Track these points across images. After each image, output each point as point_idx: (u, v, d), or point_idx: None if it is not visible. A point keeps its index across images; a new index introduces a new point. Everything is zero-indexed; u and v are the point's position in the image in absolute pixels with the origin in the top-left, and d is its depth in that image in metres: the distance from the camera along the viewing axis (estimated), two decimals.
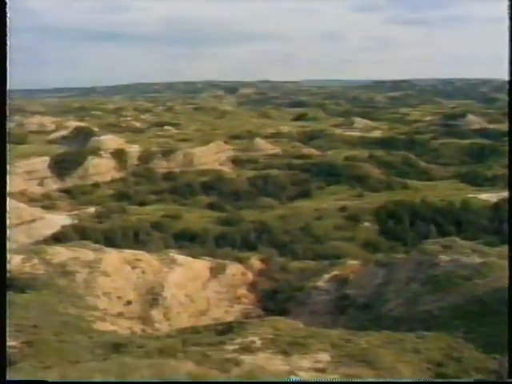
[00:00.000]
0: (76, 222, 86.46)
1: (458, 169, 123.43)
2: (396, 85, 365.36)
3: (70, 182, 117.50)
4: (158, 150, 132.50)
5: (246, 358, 20.49)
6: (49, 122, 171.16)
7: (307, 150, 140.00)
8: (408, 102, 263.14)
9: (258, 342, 23.21)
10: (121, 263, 42.75)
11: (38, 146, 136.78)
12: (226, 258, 56.32)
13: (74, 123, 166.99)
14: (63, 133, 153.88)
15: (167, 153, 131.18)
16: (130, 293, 39.73)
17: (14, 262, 38.13)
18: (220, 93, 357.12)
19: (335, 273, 48.17)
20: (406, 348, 23.67)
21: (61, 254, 41.05)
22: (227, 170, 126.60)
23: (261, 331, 24.87)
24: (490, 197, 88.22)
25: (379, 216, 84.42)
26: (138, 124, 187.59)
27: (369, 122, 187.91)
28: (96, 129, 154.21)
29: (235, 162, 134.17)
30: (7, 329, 19.24)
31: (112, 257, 42.85)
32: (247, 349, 22.48)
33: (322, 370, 20.32)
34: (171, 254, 49.34)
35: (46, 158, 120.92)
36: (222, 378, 18.06)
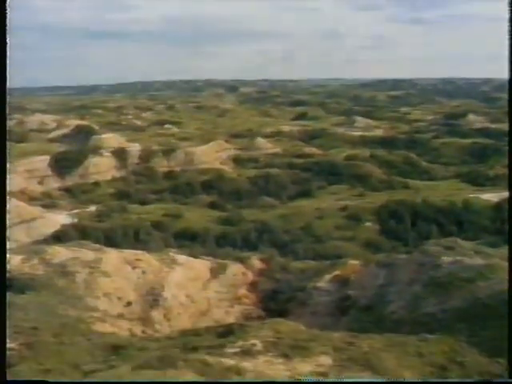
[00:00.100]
0: (76, 220, 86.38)
1: (460, 168, 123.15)
2: (397, 84, 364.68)
3: (70, 181, 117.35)
4: (159, 149, 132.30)
5: (248, 366, 20.20)
6: (49, 120, 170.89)
7: (308, 149, 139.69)
8: (409, 101, 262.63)
9: (259, 345, 22.95)
10: (121, 263, 42.48)
11: (39, 145, 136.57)
12: (226, 257, 56.08)
13: (74, 122, 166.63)
14: (64, 131, 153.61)
15: (168, 152, 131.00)
16: (130, 293, 39.45)
17: (13, 262, 37.90)
18: (221, 91, 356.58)
19: (336, 273, 47.81)
20: (408, 351, 23.42)
21: (61, 254, 40.80)
22: (228, 169, 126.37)
23: (262, 334, 24.61)
24: (491, 197, 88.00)
25: (380, 216, 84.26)
26: (138, 122, 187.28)
27: (370, 121, 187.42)
28: (97, 127, 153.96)
29: (236, 161, 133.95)
30: (7, 329, 19.03)
31: (112, 257, 42.58)
32: (248, 352, 22.22)
33: (324, 375, 20.07)
34: (171, 254, 49.06)
35: (47, 157, 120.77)
36: None
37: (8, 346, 21.30)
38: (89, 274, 38.66)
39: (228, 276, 48.74)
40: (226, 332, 26.04)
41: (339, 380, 20.15)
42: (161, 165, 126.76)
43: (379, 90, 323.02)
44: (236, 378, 18.99)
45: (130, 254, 44.83)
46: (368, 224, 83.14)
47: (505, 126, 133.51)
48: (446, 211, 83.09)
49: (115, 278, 39.98)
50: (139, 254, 45.44)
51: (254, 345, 23.08)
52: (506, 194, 74.97)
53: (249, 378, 18.75)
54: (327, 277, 47.47)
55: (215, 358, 20.68)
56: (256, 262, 54.41)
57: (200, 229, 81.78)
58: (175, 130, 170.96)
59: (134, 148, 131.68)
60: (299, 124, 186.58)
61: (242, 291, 48.13)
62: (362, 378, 20.24)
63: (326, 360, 21.53)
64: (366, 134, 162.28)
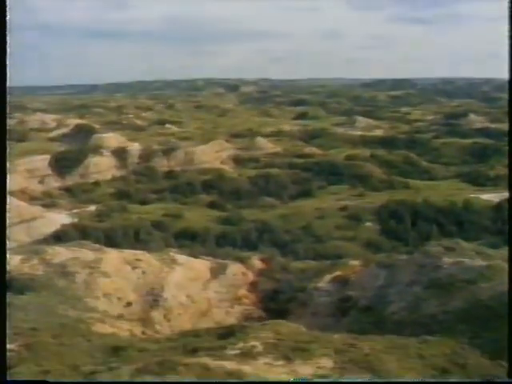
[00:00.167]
0: (76, 220, 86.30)
1: (460, 168, 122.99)
2: (397, 84, 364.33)
3: (70, 180, 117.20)
4: (159, 149, 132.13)
5: (248, 369, 20.05)
6: (50, 119, 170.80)
7: (308, 149, 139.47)
8: (409, 100, 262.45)
9: (260, 347, 22.82)
10: (121, 263, 42.38)
11: (39, 144, 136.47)
12: (226, 257, 55.95)
13: (75, 121, 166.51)
14: (64, 130, 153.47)
15: (168, 151, 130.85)
16: (130, 294, 39.34)
17: (13, 262, 37.77)
18: (221, 91, 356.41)
19: (337, 273, 47.71)
20: (409, 354, 23.29)
21: (60, 254, 40.70)
22: (228, 168, 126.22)
23: (262, 335, 24.48)
24: (492, 197, 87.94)
25: (381, 216, 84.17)
26: (139, 122, 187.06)
27: (370, 121, 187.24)
28: (97, 126, 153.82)
29: (236, 160, 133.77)
30: (7, 329, 18.92)
31: (112, 257, 42.48)
32: (248, 354, 22.09)
33: (326, 377, 19.93)
34: (172, 254, 48.97)
35: (47, 156, 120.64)
36: None
37: (7, 347, 21.17)
38: (89, 275, 38.56)
39: (228, 276, 48.62)
40: (227, 333, 25.92)
41: (339, 380, 20.02)
42: (161, 164, 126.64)
43: (379, 90, 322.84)
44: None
45: (129, 254, 44.74)
46: (368, 224, 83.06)
47: (505, 126, 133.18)
48: (447, 211, 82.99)
49: (115, 278, 39.88)
50: (139, 254, 45.35)
51: (254, 346, 22.95)
52: (506, 194, 74.86)
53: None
54: (327, 277, 47.37)
55: (216, 361, 20.52)
56: (256, 261, 54.31)
57: (200, 228, 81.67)
58: (175, 129, 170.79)
59: (134, 147, 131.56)
60: (299, 124, 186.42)
61: (242, 291, 48.01)
62: (361, 379, 20.08)
63: (327, 362, 21.40)
64: (367, 133, 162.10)
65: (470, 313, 27.73)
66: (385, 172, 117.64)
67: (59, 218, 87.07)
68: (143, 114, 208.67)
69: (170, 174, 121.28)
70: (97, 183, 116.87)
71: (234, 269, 49.91)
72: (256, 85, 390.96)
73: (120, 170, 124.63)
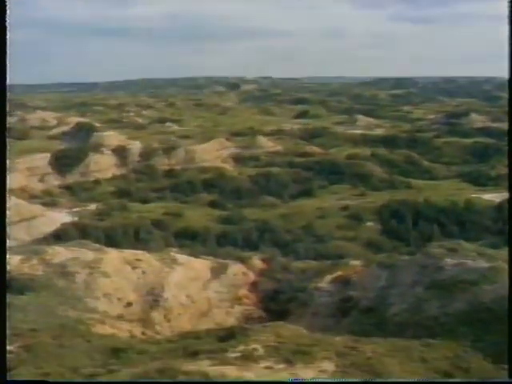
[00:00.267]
0: (76, 219, 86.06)
1: (461, 168, 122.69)
2: (398, 82, 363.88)
3: (70, 179, 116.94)
4: (160, 147, 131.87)
5: (249, 375, 19.84)
6: (50, 117, 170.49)
7: (309, 148, 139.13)
8: (410, 99, 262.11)
9: (261, 350, 22.63)
10: (121, 263, 42.20)
11: (40, 142, 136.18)
12: (227, 257, 55.77)
13: (75, 119, 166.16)
14: (65, 128, 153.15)
15: (169, 150, 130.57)
16: (131, 294, 39.17)
17: (12, 262, 37.59)
18: (222, 89, 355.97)
19: (338, 274, 47.54)
20: (412, 357, 23.11)
21: (60, 254, 40.53)
22: (229, 167, 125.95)
23: (263, 338, 24.31)
24: (493, 197, 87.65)
25: (382, 215, 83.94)
26: (139, 120, 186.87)
27: (371, 120, 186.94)
28: (98, 124, 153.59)
29: (237, 159, 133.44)
30: (7, 329, 18.74)
31: (112, 257, 42.30)
32: (249, 357, 21.90)
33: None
34: (172, 254, 48.85)
35: (47, 154, 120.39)
36: None
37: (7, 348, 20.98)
38: (89, 275, 38.38)
39: (229, 276, 48.46)
40: (227, 335, 25.75)
41: (339, 380, 19.83)
42: (161, 163, 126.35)
43: (380, 89, 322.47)
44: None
45: (130, 253, 44.57)
46: (369, 224, 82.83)
47: (507, 126, 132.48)
48: (448, 211, 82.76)
49: (115, 278, 39.70)
50: (139, 253, 45.19)
51: (255, 349, 22.76)
52: (507, 194, 74.55)
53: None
54: (328, 277, 47.21)
55: (216, 366, 20.32)
56: (257, 261, 54.15)
57: (201, 228, 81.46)
58: (176, 127, 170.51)
59: (135, 146, 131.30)
60: (300, 122, 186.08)
61: (243, 291, 47.85)
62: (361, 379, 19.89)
63: (328, 366, 21.21)
64: (368, 132, 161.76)
65: (472, 315, 27.55)
66: (386, 171, 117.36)
67: (59, 217, 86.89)
68: (144, 112, 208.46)
69: (170, 173, 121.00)
70: (97, 182, 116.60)
71: (235, 269, 49.75)
72: (257, 83, 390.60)
73: (120, 169, 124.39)
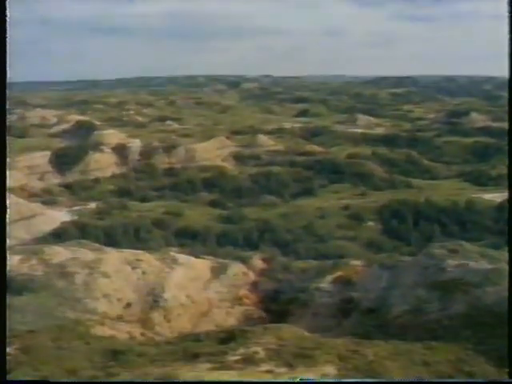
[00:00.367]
0: (76, 218, 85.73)
1: (462, 167, 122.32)
2: (399, 81, 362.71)
3: (70, 177, 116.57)
4: (160, 146, 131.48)
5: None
6: (50, 115, 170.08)
7: (310, 147, 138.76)
8: (411, 98, 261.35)
9: (262, 353, 22.36)
10: (121, 263, 41.94)
11: (39, 140, 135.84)
12: (227, 257, 55.64)
13: (75, 117, 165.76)
14: (65, 127, 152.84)
15: (169, 148, 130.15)
16: (130, 294, 38.90)
17: (11, 262, 37.30)
18: (222, 87, 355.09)
19: (338, 274, 47.31)
20: (414, 360, 22.85)
21: (60, 254, 40.26)
22: (229, 166, 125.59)
23: (264, 340, 24.05)
24: (494, 197, 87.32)
25: (382, 215, 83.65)
26: (139, 118, 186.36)
27: (372, 119, 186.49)
28: (98, 123, 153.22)
29: (237, 158, 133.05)
30: (7, 329, 18.50)
31: (112, 257, 42.05)
32: (250, 360, 21.63)
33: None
34: (172, 254, 48.62)
35: (47, 153, 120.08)
36: None
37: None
38: (88, 275, 38.11)
39: (229, 276, 48.26)
40: (227, 338, 25.49)
41: (339, 380, 19.57)
42: (161, 161, 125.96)
43: (381, 88, 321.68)
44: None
45: (129, 254, 44.32)
46: (370, 223, 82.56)
47: (507, 125, 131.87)
48: (449, 211, 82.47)
49: (115, 278, 39.45)
50: (139, 253, 44.93)
51: (256, 352, 22.48)
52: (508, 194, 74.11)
53: None
54: (329, 277, 46.98)
55: (216, 371, 20.07)
56: (257, 261, 53.96)
57: (201, 227, 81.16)
58: (176, 126, 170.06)
59: (135, 144, 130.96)
60: (301, 121, 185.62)
61: (243, 291, 47.63)
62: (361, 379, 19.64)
63: (330, 370, 20.94)
64: (368, 131, 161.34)
65: (475, 318, 27.28)
66: (386, 171, 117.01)
67: (59, 216, 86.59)
68: (144, 111, 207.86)
69: (170, 172, 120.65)
70: (97, 180, 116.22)
71: (235, 269, 49.55)
72: (257, 82, 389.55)
73: (120, 167, 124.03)
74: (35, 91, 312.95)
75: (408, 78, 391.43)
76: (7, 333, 22.02)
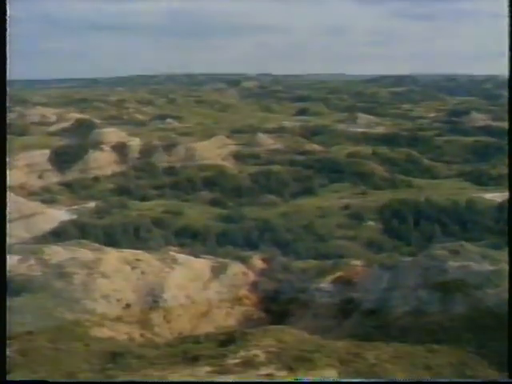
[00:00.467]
0: (76, 217, 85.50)
1: (462, 167, 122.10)
2: (399, 80, 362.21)
3: (70, 176, 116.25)
4: (160, 144, 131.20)
5: None
6: (50, 113, 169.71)
7: (310, 146, 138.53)
8: (411, 97, 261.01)
9: (262, 356, 22.14)
10: (120, 263, 41.69)
11: (39, 138, 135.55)
12: (227, 256, 55.38)
13: (75, 115, 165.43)
14: (64, 125, 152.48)
15: (169, 147, 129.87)
16: (130, 295, 38.64)
17: (10, 262, 36.93)
18: (222, 86, 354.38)
19: (339, 274, 47.13)
20: (416, 364, 22.64)
21: (58, 254, 40.02)
22: (229, 165, 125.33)
23: (264, 343, 23.84)
24: (495, 196, 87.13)
25: (383, 215, 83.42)
26: (139, 116, 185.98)
27: (372, 118, 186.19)
28: (97, 121, 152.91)
29: (237, 157, 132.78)
30: (7, 330, 18.30)
31: (111, 257, 41.79)
32: (250, 363, 21.41)
33: None
34: (172, 253, 48.37)
35: (47, 151, 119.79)
36: None
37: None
38: (87, 275, 37.85)
39: (229, 276, 48.03)
40: (227, 340, 25.27)
41: (339, 380, 19.37)
42: (161, 160, 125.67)
43: (381, 87, 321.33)
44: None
45: (129, 253, 44.07)
46: (370, 223, 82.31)
47: (507, 124, 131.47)
48: (449, 211, 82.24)
49: (114, 278, 39.20)
50: (139, 253, 44.67)
51: (256, 355, 22.26)
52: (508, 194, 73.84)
53: None
54: (329, 278, 46.80)
55: (216, 374, 19.85)
56: (257, 261, 53.75)
57: (200, 226, 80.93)
58: (176, 124, 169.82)
59: (135, 143, 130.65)
60: (301, 120, 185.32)
61: (243, 292, 47.43)
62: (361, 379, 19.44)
63: (331, 373, 20.72)
64: (368, 130, 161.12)
65: (477, 321, 27.04)
66: (387, 170, 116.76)
67: (58, 215, 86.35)
68: (144, 109, 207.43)
69: (170, 170, 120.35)
70: (97, 179, 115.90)
71: (235, 268, 49.33)
72: (257, 80, 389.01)
73: (120, 166, 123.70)
74: (35, 89, 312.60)
75: (408, 76, 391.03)
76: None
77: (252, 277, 49.52)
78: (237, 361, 21.84)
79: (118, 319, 34.97)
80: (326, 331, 36.46)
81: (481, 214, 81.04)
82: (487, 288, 30.36)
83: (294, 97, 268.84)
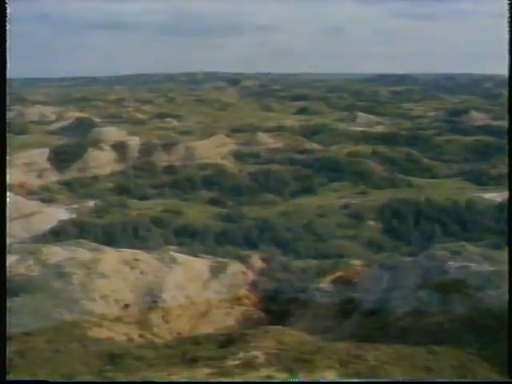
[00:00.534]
0: (75, 216, 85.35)
1: (462, 166, 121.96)
2: (399, 79, 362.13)
3: (69, 175, 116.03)
4: (159, 143, 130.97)
5: None
6: (49, 112, 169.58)
7: (309, 145, 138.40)
8: (411, 96, 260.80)
9: (262, 358, 21.97)
10: (119, 263, 41.49)
11: (38, 137, 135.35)
12: (226, 256, 55.29)
13: (74, 114, 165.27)
14: (63, 123, 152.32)
15: (168, 146, 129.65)
16: (128, 295, 38.44)
17: (8, 262, 36.75)
18: (222, 84, 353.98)
19: (339, 274, 46.98)
20: (416, 365, 22.44)
21: (57, 254, 39.81)
22: (229, 164, 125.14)
23: (264, 344, 23.67)
24: (495, 196, 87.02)
25: (383, 214, 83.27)
26: (139, 115, 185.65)
27: (372, 117, 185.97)
28: (97, 120, 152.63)
29: (237, 156, 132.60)
30: (7, 330, 18.12)
31: (110, 257, 41.59)
32: (250, 365, 21.23)
33: None
34: (171, 253, 48.17)
35: (46, 150, 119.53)
36: None
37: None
38: (85, 276, 37.65)
39: (228, 275, 47.85)
40: (227, 341, 25.11)
41: (339, 380, 19.22)
42: (161, 159, 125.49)
43: (381, 86, 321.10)
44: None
45: (128, 253, 43.87)
46: (370, 223, 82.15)
47: (507, 124, 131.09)
48: (449, 210, 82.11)
49: (113, 278, 39.00)
50: (138, 253, 44.47)
51: (255, 357, 22.09)
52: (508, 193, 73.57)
53: None
54: (329, 278, 46.64)
55: (215, 376, 19.68)
56: (257, 260, 53.63)
57: (200, 225, 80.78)
58: (176, 123, 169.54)
59: (134, 142, 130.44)
60: (300, 119, 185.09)
61: (243, 291, 47.24)
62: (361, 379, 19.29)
63: (331, 375, 20.55)
64: (368, 129, 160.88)
65: (478, 322, 26.87)
66: (386, 169, 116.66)
67: (57, 214, 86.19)
68: (143, 108, 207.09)
69: (169, 169, 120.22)
70: (96, 178, 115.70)
71: (234, 268, 49.16)
72: (257, 79, 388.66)
73: (119, 165, 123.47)
74: (34, 87, 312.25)
75: (408, 75, 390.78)
76: None
77: (251, 276, 49.37)
78: (236, 362, 21.66)
79: (117, 320, 34.77)
80: (326, 331, 36.28)
81: (481, 214, 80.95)
82: (488, 289, 30.18)
83: (293, 96, 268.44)
